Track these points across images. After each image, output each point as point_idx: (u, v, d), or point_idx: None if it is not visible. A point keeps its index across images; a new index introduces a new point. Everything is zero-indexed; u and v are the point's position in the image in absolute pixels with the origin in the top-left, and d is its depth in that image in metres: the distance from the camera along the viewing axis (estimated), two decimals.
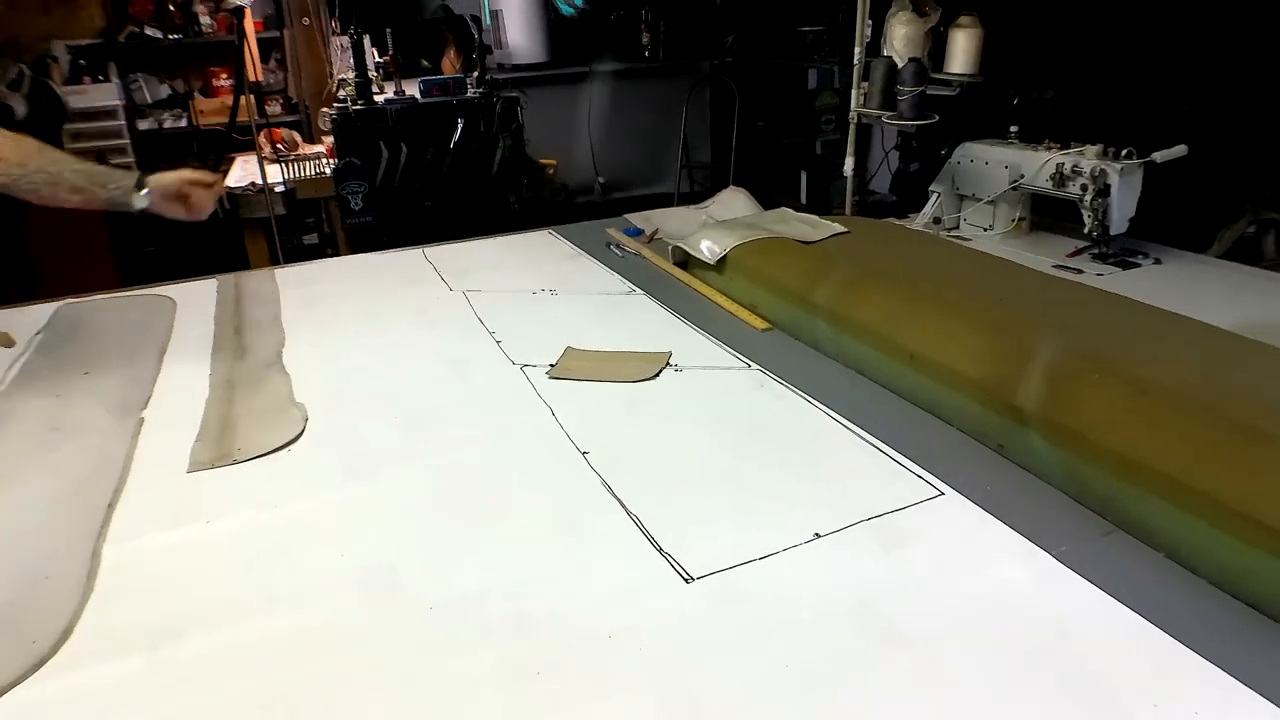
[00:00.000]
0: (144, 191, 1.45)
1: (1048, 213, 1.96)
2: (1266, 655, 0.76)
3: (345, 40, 4.14)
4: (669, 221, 2.25)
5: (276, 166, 3.37)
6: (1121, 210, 1.66)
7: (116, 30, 4.30)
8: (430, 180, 3.39)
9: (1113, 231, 1.69)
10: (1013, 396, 1.06)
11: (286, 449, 1.21)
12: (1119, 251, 1.73)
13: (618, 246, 2.09)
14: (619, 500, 1.03)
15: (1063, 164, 1.70)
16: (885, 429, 1.16)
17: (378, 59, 3.63)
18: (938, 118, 1.83)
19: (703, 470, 1.11)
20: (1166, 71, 2.55)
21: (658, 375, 1.38)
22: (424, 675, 0.79)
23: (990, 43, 1.87)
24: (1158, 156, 1.62)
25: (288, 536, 1.01)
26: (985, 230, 1.93)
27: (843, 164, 2.69)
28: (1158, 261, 1.72)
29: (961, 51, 1.85)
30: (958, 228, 2.00)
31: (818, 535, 0.95)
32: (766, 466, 1.11)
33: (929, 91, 1.93)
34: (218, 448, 1.22)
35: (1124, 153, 1.66)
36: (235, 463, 1.18)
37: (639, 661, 0.79)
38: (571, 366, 1.41)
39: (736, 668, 0.78)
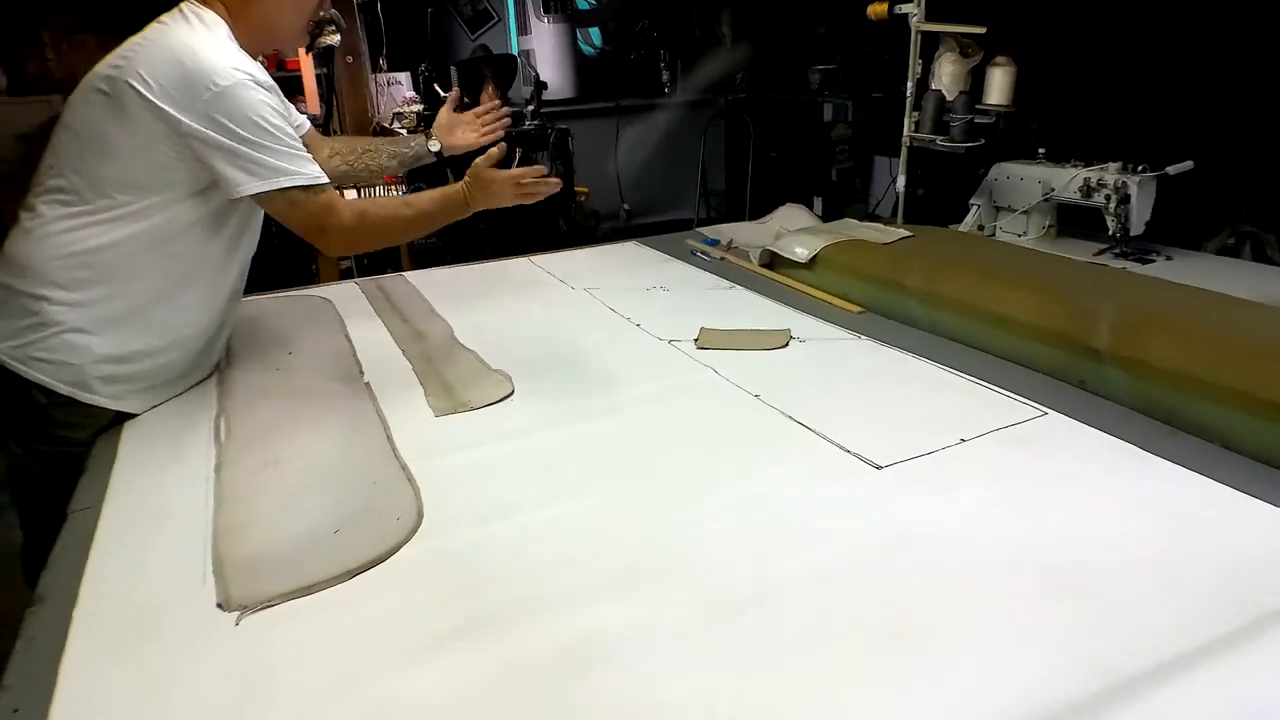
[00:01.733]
0: (433, 140, 1.84)
1: (1071, 221, 2.32)
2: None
3: (389, 76, 4.50)
4: (739, 234, 2.57)
5: (351, 192, 3.66)
6: (1140, 215, 2.02)
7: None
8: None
9: (1133, 233, 2.05)
10: (1091, 341, 1.39)
11: (506, 400, 1.51)
12: (1137, 250, 2.09)
13: (703, 253, 2.42)
14: (801, 424, 1.34)
15: (1089, 178, 2.06)
16: (985, 374, 1.49)
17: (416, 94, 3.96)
18: (984, 141, 2.19)
19: (854, 404, 1.42)
20: (1169, 97, 2.96)
21: (787, 345, 1.69)
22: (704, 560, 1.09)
23: (1020, 78, 2.23)
24: (1170, 170, 1.98)
25: (549, 455, 1.30)
26: (1020, 236, 2.28)
27: (853, 187, 3.03)
28: (1169, 258, 2.08)
29: (998, 86, 2.22)
30: (994, 235, 2.36)
31: (962, 440, 1.27)
32: (901, 399, 1.43)
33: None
34: (450, 400, 1.51)
35: (1140, 167, 2.03)
36: (473, 409, 1.47)
37: (865, 524, 1.10)
38: (713, 339, 1.72)
39: (926, 521, 1.09)
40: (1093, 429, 1.29)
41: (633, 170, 4.98)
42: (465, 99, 4.21)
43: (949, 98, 2.22)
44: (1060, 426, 1.31)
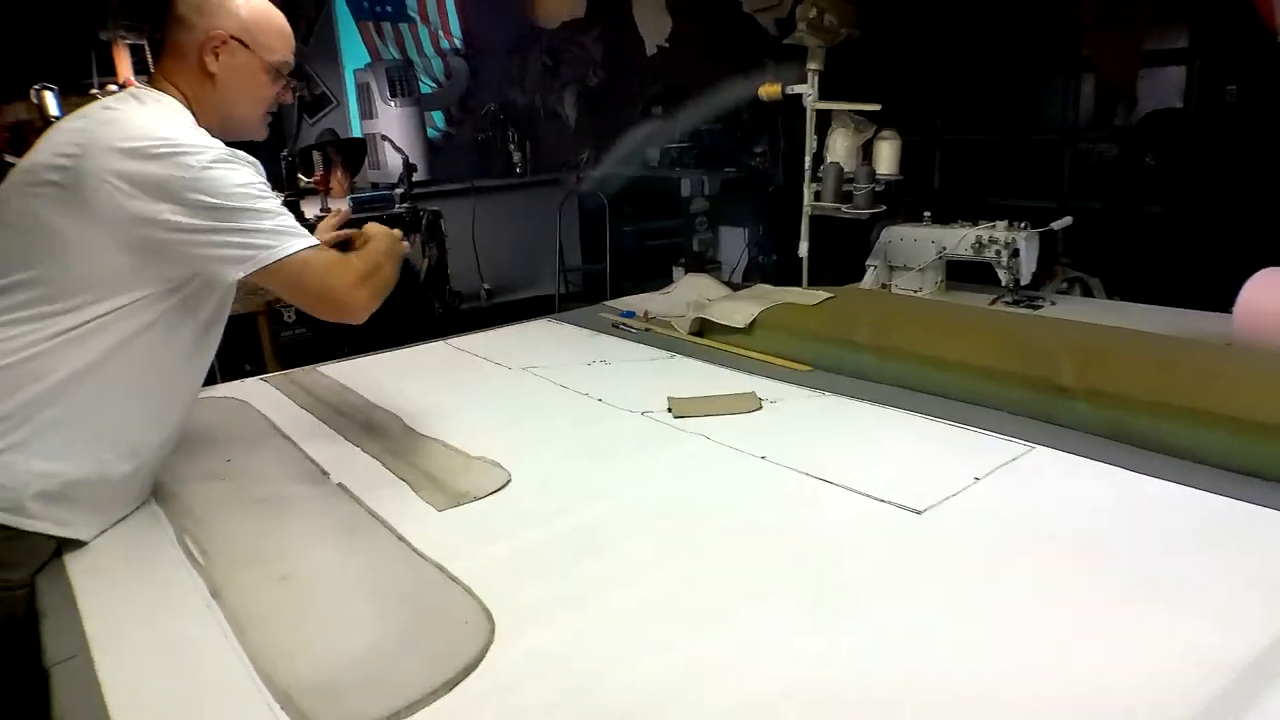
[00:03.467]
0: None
1: (957, 276, 2.55)
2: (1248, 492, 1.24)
3: None
4: (649, 304, 2.61)
5: None
6: (1028, 266, 2.25)
7: None
8: None
9: (1023, 283, 2.28)
10: (1056, 379, 1.53)
11: (506, 487, 1.43)
12: (1026, 298, 2.32)
13: (624, 325, 2.43)
14: (823, 479, 1.37)
15: (980, 236, 2.28)
16: (958, 417, 1.59)
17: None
18: (885, 208, 2.37)
19: (857, 456, 1.47)
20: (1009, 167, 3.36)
21: (761, 407, 1.73)
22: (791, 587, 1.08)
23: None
24: (1055, 225, 2.24)
25: (593, 536, 1.25)
26: (916, 291, 2.47)
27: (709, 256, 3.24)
28: (1053, 303, 2.33)
29: (886, 157, 2.42)
30: (889, 291, 2.54)
31: (976, 479, 1.34)
32: (894, 447, 1.50)
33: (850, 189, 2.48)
34: (446, 493, 1.41)
35: (1023, 224, 2.27)
36: (475, 499, 1.39)
37: (921, 569, 1.13)
38: (687, 408, 1.73)
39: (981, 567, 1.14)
40: (1077, 456, 1.41)
41: (490, 250, 4.95)
42: (315, 181, 4.05)
43: (846, 169, 2.39)
44: (1048, 458, 1.42)
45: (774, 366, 1.99)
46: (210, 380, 1.66)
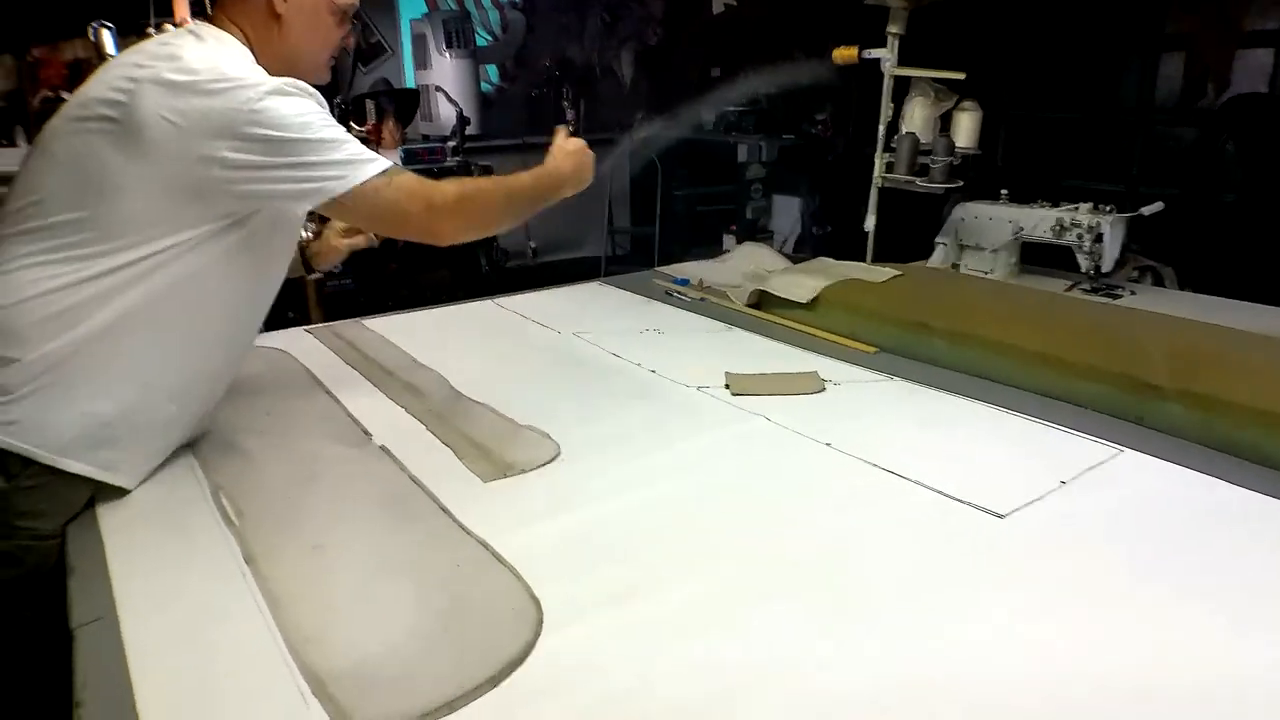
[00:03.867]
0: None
1: (1030, 259, 2.41)
2: None
3: None
4: (705, 273, 2.51)
5: None
6: (1110, 253, 2.11)
7: (30, 94, 4.09)
8: (409, 245, 3.49)
9: (1104, 270, 2.14)
10: (1149, 378, 1.41)
11: (555, 461, 1.36)
12: (1106, 286, 2.18)
13: (679, 294, 2.34)
14: (893, 472, 1.28)
15: (1062, 218, 2.13)
16: (1039, 412, 1.48)
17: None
18: (963, 183, 2.24)
19: (930, 448, 1.37)
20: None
21: (824, 389, 1.63)
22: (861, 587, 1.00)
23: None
24: (1145, 210, 2.09)
25: (642, 521, 1.17)
26: (987, 274, 2.34)
27: (766, 225, 3.13)
28: (1133, 293, 2.19)
29: (965, 130, 2.28)
30: (959, 271, 2.41)
31: (1062, 482, 1.24)
32: (971, 442, 1.39)
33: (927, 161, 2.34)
34: (493, 464, 1.34)
35: (1109, 208, 2.12)
36: (523, 472, 1.32)
37: (1001, 571, 1.04)
38: (746, 385, 1.64)
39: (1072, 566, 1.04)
40: (1170, 463, 1.30)
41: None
42: (367, 131, 3.99)
43: (923, 140, 2.26)
44: (1139, 463, 1.31)
45: (836, 346, 1.88)
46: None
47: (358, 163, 1.22)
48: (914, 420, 1.49)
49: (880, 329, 1.85)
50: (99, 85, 1.18)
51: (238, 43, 1.26)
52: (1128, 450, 1.34)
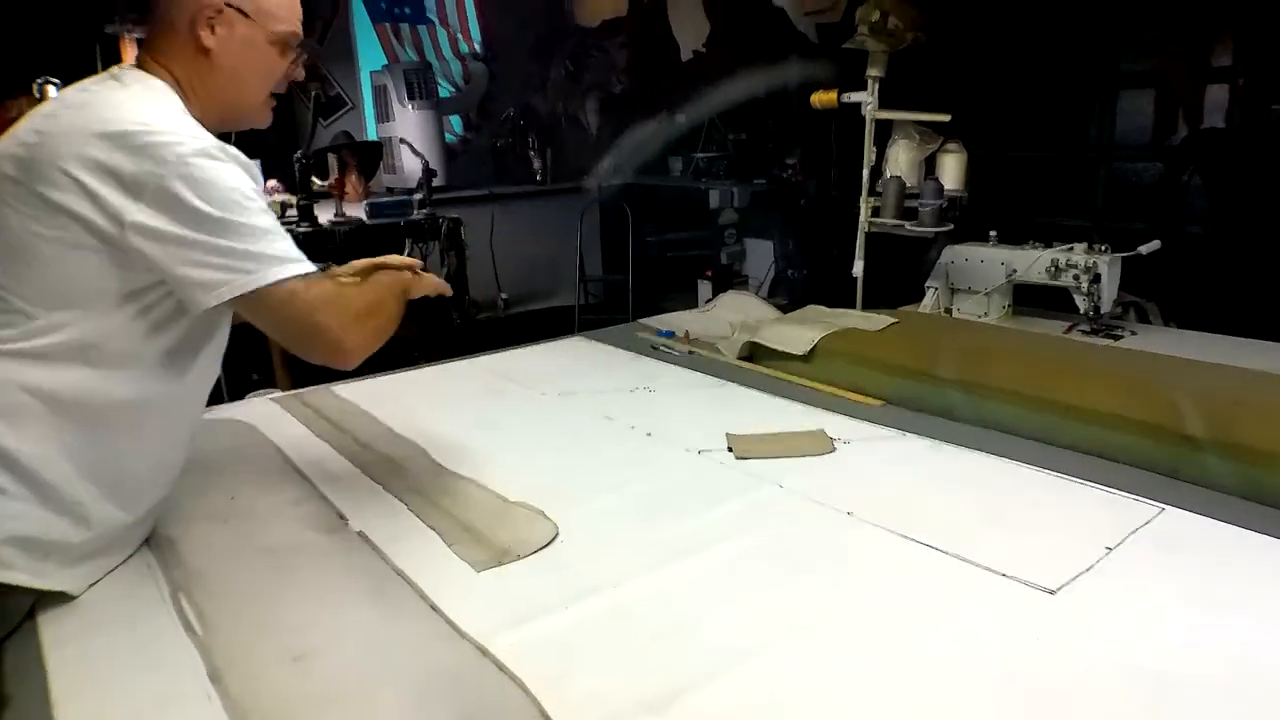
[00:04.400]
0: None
1: (1023, 301, 2.35)
2: None
3: None
4: (689, 324, 2.42)
5: None
6: (1109, 294, 2.05)
7: None
8: None
9: (1103, 311, 2.08)
10: (1182, 428, 1.33)
11: (553, 544, 1.23)
12: (1104, 327, 2.12)
13: (665, 347, 2.24)
14: (923, 543, 1.17)
15: (1057, 259, 2.08)
16: (1068, 468, 1.39)
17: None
18: (953, 226, 2.18)
19: (960, 514, 1.27)
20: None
21: (834, 449, 1.53)
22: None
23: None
24: (1142, 250, 2.04)
25: (661, 611, 1.05)
26: (981, 317, 2.28)
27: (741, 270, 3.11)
28: (1133, 333, 2.13)
29: (950, 172, 2.23)
30: (951, 315, 2.35)
31: (1108, 549, 1.14)
32: (1002, 504, 1.30)
33: (915, 204, 2.29)
34: (486, 549, 1.22)
35: (1103, 247, 2.08)
36: (520, 558, 1.19)
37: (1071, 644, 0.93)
38: (750, 447, 1.54)
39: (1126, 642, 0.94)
40: (1215, 520, 1.21)
41: (508, 259, 4.77)
42: (330, 185, 3.88)
43: (909, 184, 2.20)
44: (1183, 522, 1.22)
45: (839, 399, 1.79)
46: (214, 396, 1.47)
47: (280, 260, 1.07)
48: (936, 482, 1.39)
49: (885, 380, 1.76)
50: (8, 139, 1.06)
51: (166, 88, 1.13)
52: (1169, 508, 1.26)
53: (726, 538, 1.23)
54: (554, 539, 1.24)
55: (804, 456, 1.50)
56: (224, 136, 1.14)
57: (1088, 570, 1.09)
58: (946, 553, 1.15)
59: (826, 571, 1.14)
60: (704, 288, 4.59)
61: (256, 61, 1.19)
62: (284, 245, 1.09)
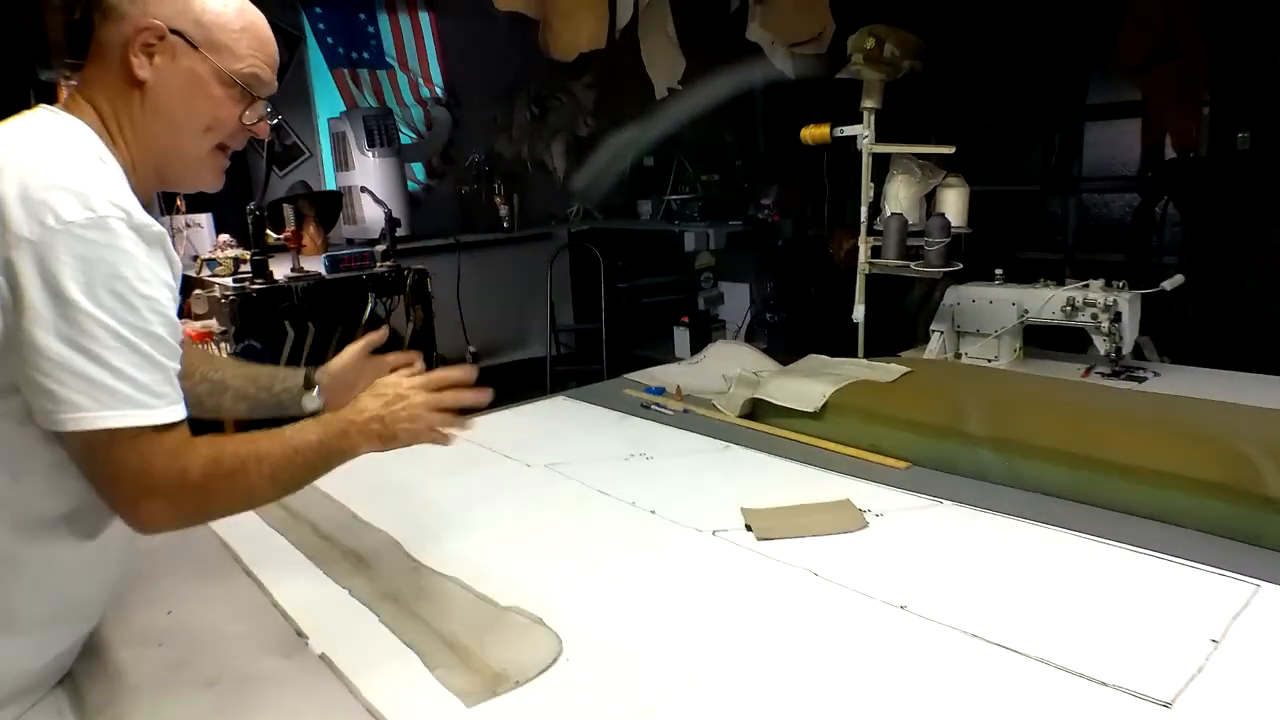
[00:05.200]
0: (314, 391, 1.25)
1: (1034, 342, 2.21)
2: None
3: (187, 219, 3.86)
4: (680, 378, 2.24)
5: None
6: (1130, 334, 1.92)
7: None
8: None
9: (1124, 351, 1.94)
10: (1263, 489, 1.17)
11: (557, 664, 1.03)
12: (1125, 369, 1.98)
13: (656, 405, 2.06)
14: (1001, 645, 0.99)
15: (1073, 297, 1.94)
16: (1132, 537, 1.23)
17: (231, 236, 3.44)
18: (961, 265, 2.04)
19: (1028, 606, 1.09)
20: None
21: (866, 523, 1.35)
22: None
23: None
24: (1166, 285, 1.91)
25: None
26: (990, 361, 2.13)
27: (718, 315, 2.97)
28: (1156, 374, 1.99)
29: (953, 207, 2.10)
30: (959, 360, 2.20)
31: (1214, 641, 0.97)
32: (1072, 589, 1.12)
33: (914, 242, 2.15)
34: (477, 674, 1.01)
35: (1121, 284, 1.94)
36: (518, 684, 0.99)
37: None
38: (771, 526, 1.35)
39: None
40: None
41: (476, 310, 4.58)
42: (286, 238, 3.67)
43: (910, 221, 2.06)
44: None
45: (859, 462, 1.62)
46: None
47: (142, 399, 0.84)
48: (990, 562, 1.21)
49: (909, 439, 1.59)
50: None
51: (85, 127, 0.92)
52: (1264, 584, 1.09)
53: (760, 642, 1.04)
54: (557, 657, 1.03)
55: (834, 534, 1.32)
56: (170, 196, 0.93)
57: (1199, 672, 0.92)
58: (1030, 656, 0.97)
59: (889, 684, 0.95)
60: (680, 334, 4.44)
61: (200, 104, 0.97)
62: (156, 376, 0.85)
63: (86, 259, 0.81)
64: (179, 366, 0.90)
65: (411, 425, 1.06)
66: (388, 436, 1.06)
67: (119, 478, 0.87)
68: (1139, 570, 1.16)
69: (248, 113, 1.01)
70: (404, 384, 1.09)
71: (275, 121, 1.05)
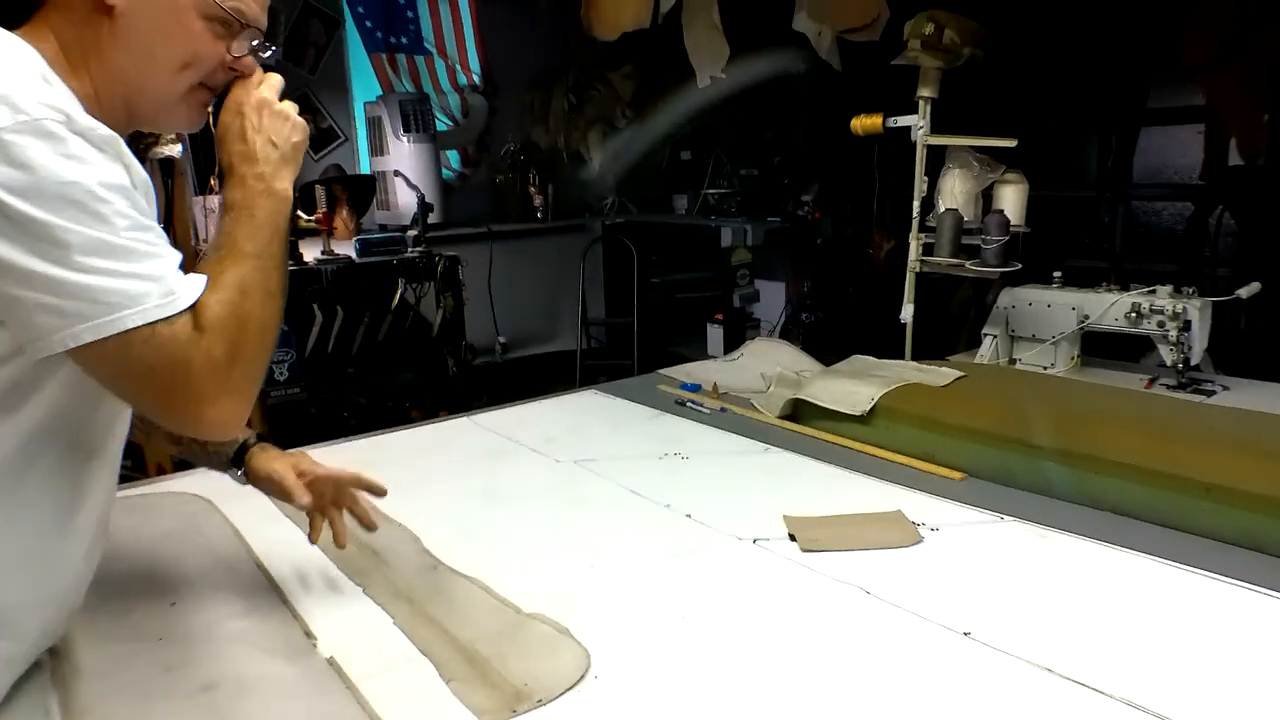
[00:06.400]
0: (239, 471, 1.16)
1: (1090, 350, 2.09)
2: None
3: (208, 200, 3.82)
4: (716, 375, 2.15)
5: None
6: (1199, 343, 1.79)
7: None
8: (367, 345, 3.09)
9: (1193, 362, 1.82)
10: None
11: (584, 681, 0.94)
12: (1191, 380, 1.85)
13: (692, 403, 1.96)
14: (1084, 684, 0.88)
15: (1139, 304, 1.82)
16: (1215, 565, 1.11)
17: None
18: (1020, 265, 1.92)
19: (1113, 639, 0.98)
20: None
21: (921, 538, 1.25)
22: None
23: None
24: (1242, 293, 1.78)
25: None
26: (1046, 368, 2.01)
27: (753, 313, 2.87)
28: (1225, 388, 1.86)
29: (1011, 205, 1.98)
30: (1014, 365, 2.08)
31: None
32: (1157, 622, 1.01)
33: (968, 241, 2.03)
34: (494, 689, 0.92)
35: (1190, 290, 1.82)
36: (542, 704, 0.90)
37: None
38: (818, 537, 1.25)
39: None
40: None
41: (507, 300, 4.51)
42: (317, 220, 3.63)
43: (966, 218, 1.95)
44: None
45: (909, 470, 1.51)
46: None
47: (138, 281, 0.74)
48: (1062, 586, 1.10)
49: (965, 448, 1.48)
50: None
51: (29, 48, 0.78)
52: None
53: (809, 666, 0.94)
54: (585, 673, 0.94)
55: (886, 549, 1.22)
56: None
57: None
58: (1113, 697, 0.86)
59: (953, 719, 0.85)
60: (714, 332, 4.34)
61: (176, 36, 0.86)
62: (146, 265, 0.76)
63: (40, 164, 0.70)
64: (177, 255, 0.80)
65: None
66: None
67: (154, 377, 0.78)
68: (1232, 604, 1.05)
69: (233, 46, 0.90)
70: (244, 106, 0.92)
71: (268, 56, 0.94)
